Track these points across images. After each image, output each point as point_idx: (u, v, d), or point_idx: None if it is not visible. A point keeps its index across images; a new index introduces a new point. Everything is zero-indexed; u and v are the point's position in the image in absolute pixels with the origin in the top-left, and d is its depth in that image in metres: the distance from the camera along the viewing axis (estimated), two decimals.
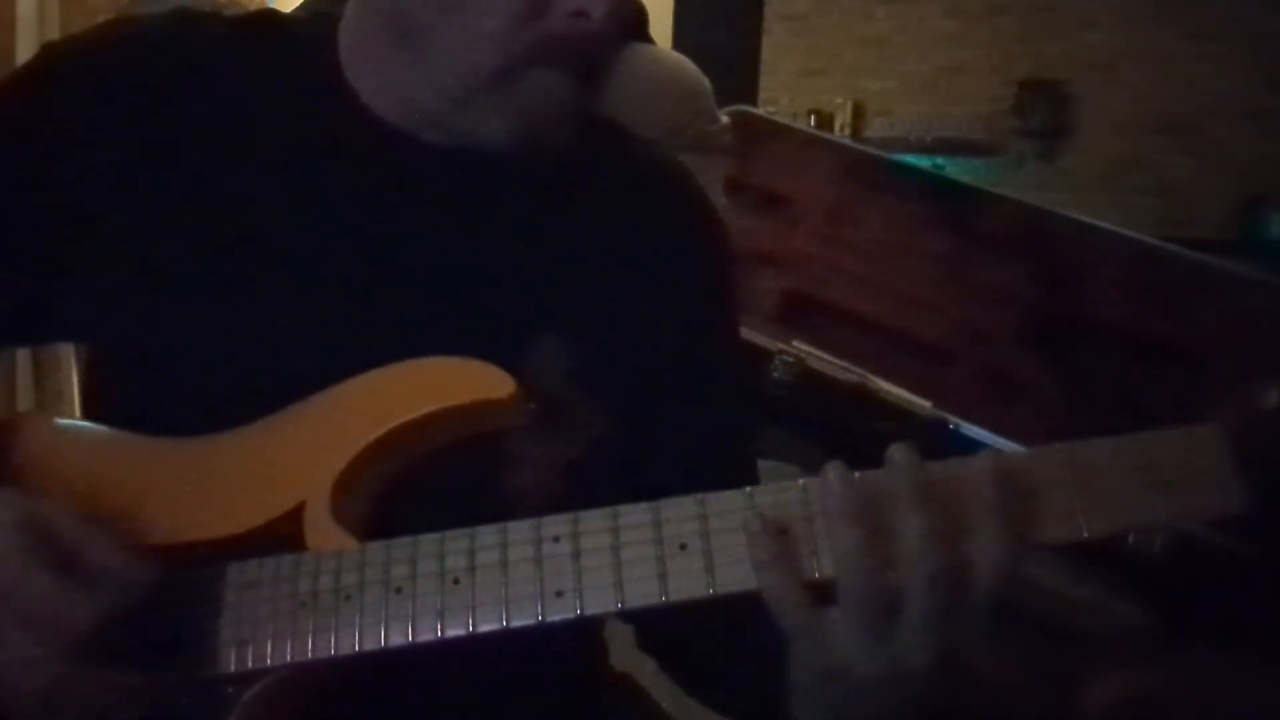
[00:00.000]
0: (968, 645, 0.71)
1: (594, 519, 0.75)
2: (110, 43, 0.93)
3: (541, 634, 0.74)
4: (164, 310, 0.86)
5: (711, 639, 0.90)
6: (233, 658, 0.76)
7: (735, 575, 0.72)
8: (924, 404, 1.84)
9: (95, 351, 0.92)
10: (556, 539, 0.74)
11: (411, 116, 0.88)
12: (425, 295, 0.87)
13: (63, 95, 0.89)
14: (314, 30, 0.94)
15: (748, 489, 0.74)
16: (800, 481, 0.73)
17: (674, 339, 0.92)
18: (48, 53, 0.95)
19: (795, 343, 1.96)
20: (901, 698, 0.73)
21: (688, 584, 0.72)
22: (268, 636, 0.76)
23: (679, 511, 0.74)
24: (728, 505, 0.73)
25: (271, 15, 1.01)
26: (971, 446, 1.78)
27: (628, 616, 0.94)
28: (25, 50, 3.64)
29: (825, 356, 1.93)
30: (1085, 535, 0.71)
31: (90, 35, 0.97)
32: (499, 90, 0.83)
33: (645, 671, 1.04)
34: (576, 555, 0.74)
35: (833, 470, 0.71)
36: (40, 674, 0.72)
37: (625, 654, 1.02)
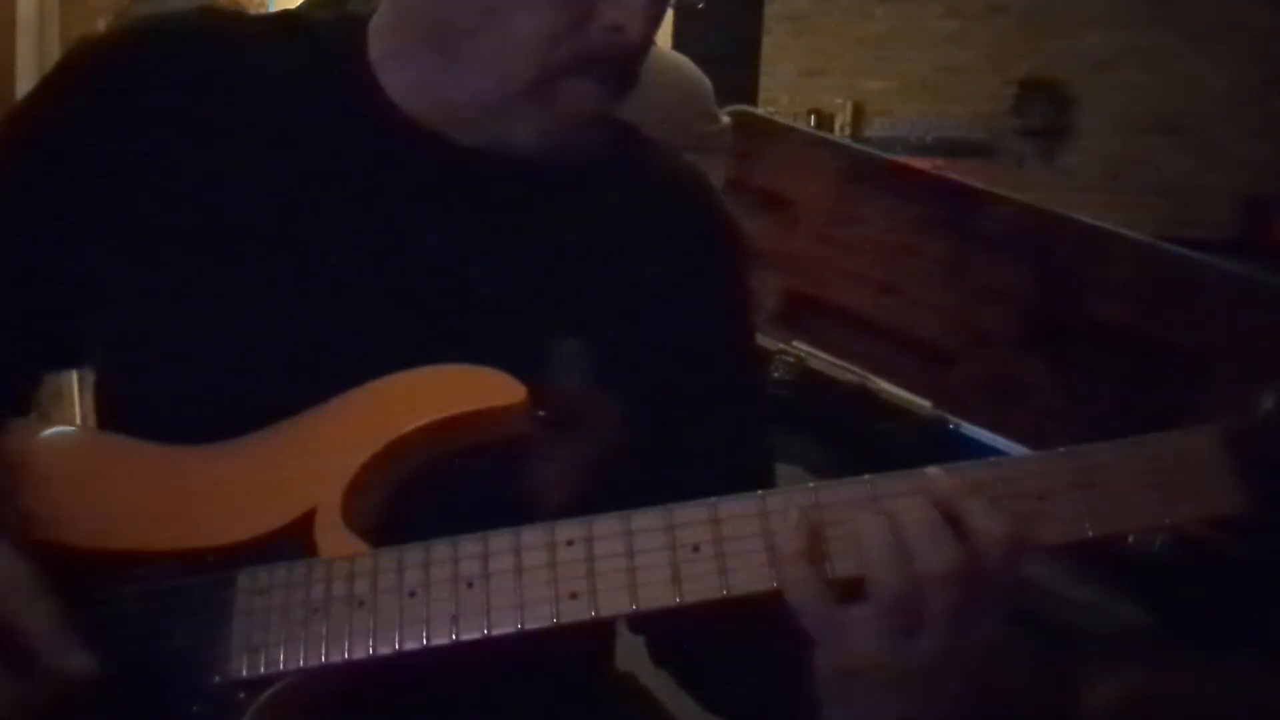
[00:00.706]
0: (986, 644, 0.72)
1: (607, 523, 0.75)
2: (137, 43, 0.93)
3: (550, 635, 0.74)
4: (186, 312, 0.86)
5: (726, 652, 0.90)
6: (244, 663, 0.76)
7: (749, 577, 0.73)
8: (924, 404, 1.84)
9: (114, 354, 0.92)
10: (570, 543, 0.75)
11: (443, 118, 0.88)
12: (447, 295, 0.87)
13: (91, 97, 0.89)
14: (341, 30, 0.94)
15: (760, 492, 0.75)
16: (811, 485, 0.74)
17: (692, 345, 0.93)
18: (75, 55, 0.95)
19: (795, 343, 1.96)
20: (924, 695, 0.73)
21: (702, 586, 0.73)
22: (280, 642, 0.76)
23: (691, 515, 0.74)
24: (739, 509, 0.74)
25: (297, 15, 1.02)
26: (972, 446, 1.78)
27: (640, 629, 0.94)
28: (25, 50, 3.64)
29: (825, 356, 1.93)
30: (1089, 536, 0.72)
31: (117, 36, 0.97)
32: (535, 98, 0.84)
33: (647, 671, 1.04)
34: (590, 558, 0.74)
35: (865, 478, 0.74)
36: None
37: (627, 654, 1.02)
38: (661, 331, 0.91)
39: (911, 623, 0.70)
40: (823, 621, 0.72)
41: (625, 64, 0.86)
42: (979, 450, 1.78)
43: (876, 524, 0.71)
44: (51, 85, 0.94)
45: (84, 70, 0.92)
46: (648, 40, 0.84)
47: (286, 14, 1.01)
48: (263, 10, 3.92)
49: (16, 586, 0.75)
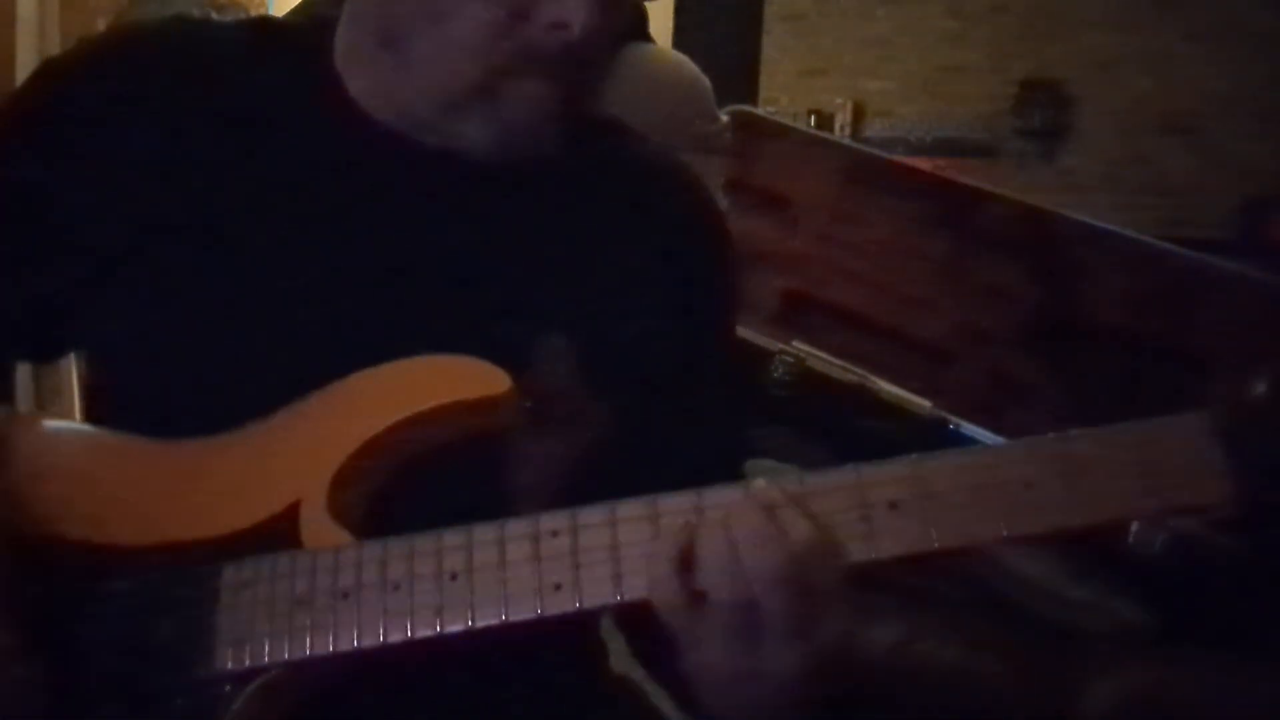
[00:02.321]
0: (834, 643, 0.73)
1: (591, 513, 0.75)
2: (110, 54, 0.94)
3: (540, 633, 0.74)
4: (166, 312, 0.86)
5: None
6: (229, 656, 0.76)
7: None
8: (924, 404, 1.84)
9: (99, 354, 0.93)
10: (554, 534, 0.75)
11: (402, 119, 0.88)
12: (421, 294, 0.87)
13: (65, 109, 0.90)
14: (309, 34, 0.94)
15: (747, 482, 0.75)
16: (793, 477, 0.75)
17: (670, 338, 0.93)
18: (48, 68, 0.96)
19: (795, 343, 1.96)
20: (779, 692, 0.75)
21: None
22: (265, 635, 0.76)
23: (675, 505, 0.74)
24: (724, 498, 0.74)
25: (267, 21, 1.03)
26: (971, 446, 1.77)
27: (621, 623, 0.94)
28: (25, 50, 3.63)
29: (825, 356, 1.93)
30: (1076, 524, 0.72)
31: (89, 48, 0.98)
32: (481, 100, 0.84)
33: (645, 673, 1.04)
34: (574, 549, 0.74)
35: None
36: None
37: (626, 655, 1.02)
38: (640, 325, 0.91)
39: (752, 627, 0.72)
40: (679, 623, 0.73)
41: (573, 62, 0.85)
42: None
43: (711, 533, 0.72)
44: (20, 103, 0.95)
45: (52, 87, 0.93)
46: (595, 37, 0.83)
47: (258, 19, 1.03)
48: (263, 12, 3.93)
49: None
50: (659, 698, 1.05)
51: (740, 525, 0.72)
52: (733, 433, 1.01)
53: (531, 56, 0.83)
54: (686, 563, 0.72)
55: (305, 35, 0.95)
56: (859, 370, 1.90)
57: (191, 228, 0.87)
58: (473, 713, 0.87)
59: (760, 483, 0.74)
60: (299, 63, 0.92)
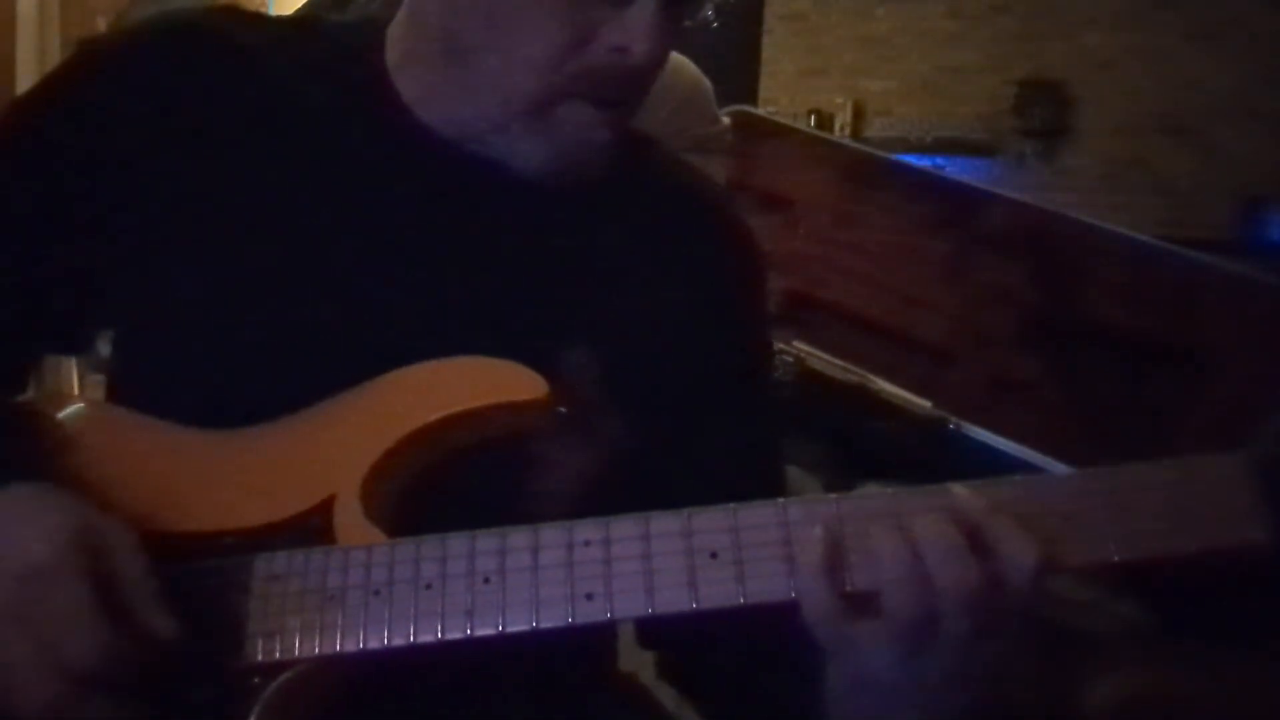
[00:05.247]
0: (1000, 662, 0.72)
1: (625, 525, 0.75)
2: (156, 39, 0.94)
3: (556, 634, 0.74)
4: (205, 304, 0.87)
5: (724, 647, 0.90)
6: (259, 648, 0.77)
7: (766, 585, 0.73)
8: (924, 404, 1.84)
9: (130, 342, 0.92)
10: (588, 543, 0.75)
11: (454, 126, 0.89)
12: (460, 296, 0.88)
13: (106, 91, 0.90)
14: (358, 34, 0.95)
15: (780, 501, 0.74)
16: (834, 496, 0.74)
17: (704, 351, 0.93)
18: (92, 49, 0.96)
19: (795, 343, 1.96)
20: (930, 709, 0.73)
21: (718, 592, 0.73)
22: (296, 629, 0.76)
23: (710, 521, 0.74)
24: (759, 517, 0.74)
25: (312, 18, 1.03)
26: (971, 446, 1.78)
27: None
28: (25, 50, 3.64)
29: (825, 356, 1.93)
30: (1115, 560, 0.72)
31: (135, 31, 0.97)
32: (536, 119, 0.85)
33: (649, 671, 1.04)
34: (608, 560, 0.74)
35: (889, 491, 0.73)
36: (36, 691, 0.71)
37: (627, 654, 1.02)
38: (673, 338, 0.92)
39: (924, 642, 0.70)
40: (835, 635, 0.72)
41: (628, 87, 0.86)
42: (979, 450, 1.78)
43: (895, 541, 0.70)
44: (66, 79, 0.94)
45: (100, 65, 0.93)
46: (654, 63, 0.84)
47: (301, 17, 1.02)
48: (262, 10, 3.93)
49: (122, 542, 0.75)
50: (663, 695, 1.06)
51: (931, 535, 0.70)
52: (770, 444, 1.00)
53: (591, 79, 0.83)
54: (836, 569, 0.71)
55: (352, 35, 0.95)
56: (859, 370, 1.90)
57: (231, 220, 0.87)
58: (479, 708, 0.87)
59: (960, 489, 0.72)
60: (347, 61, 0.92)
